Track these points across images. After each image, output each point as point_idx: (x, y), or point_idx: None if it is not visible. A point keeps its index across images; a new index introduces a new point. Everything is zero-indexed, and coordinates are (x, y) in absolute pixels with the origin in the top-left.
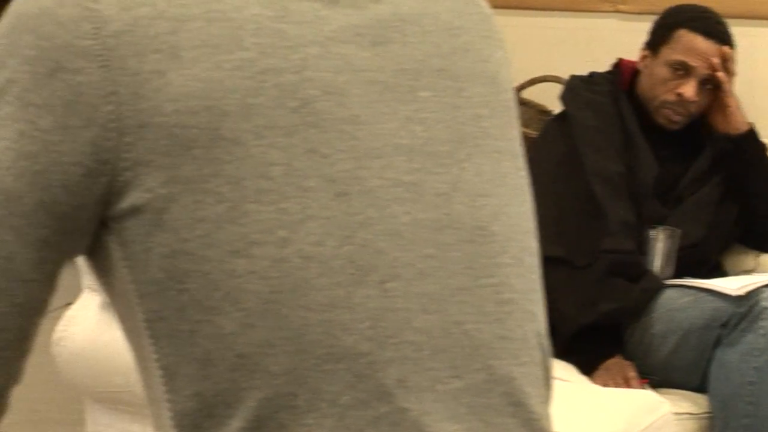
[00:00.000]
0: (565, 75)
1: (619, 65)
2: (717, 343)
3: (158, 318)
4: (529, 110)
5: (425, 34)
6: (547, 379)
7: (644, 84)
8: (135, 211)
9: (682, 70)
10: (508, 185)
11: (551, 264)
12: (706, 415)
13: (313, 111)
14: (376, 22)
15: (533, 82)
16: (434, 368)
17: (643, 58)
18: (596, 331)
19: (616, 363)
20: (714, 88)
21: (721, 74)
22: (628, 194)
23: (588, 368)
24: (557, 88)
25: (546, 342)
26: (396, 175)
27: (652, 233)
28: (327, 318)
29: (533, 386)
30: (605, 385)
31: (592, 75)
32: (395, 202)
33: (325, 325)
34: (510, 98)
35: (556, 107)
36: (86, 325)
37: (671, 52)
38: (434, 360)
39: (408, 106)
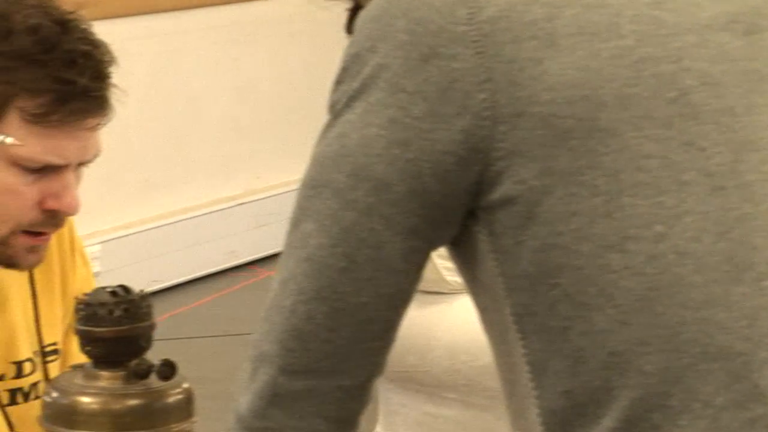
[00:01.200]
0: None
1: None
2: None
3: (528, 313)
4: None
5: None
6: None
7: None
8: (506, 202)
9: None
10: None
11: None
12: None
13: (689, 102)
14: (749, 9)
15: None
16: None
17: None
18: None
19: None
20: None
21: None
22: None
23: None
24: None
25: None
26: None
27: None
28: (703, 316)
29: None
30: None
31: None
32: None
33: (702, 324)
34: None
35: None
36: None
37: None
38: None
39: None
